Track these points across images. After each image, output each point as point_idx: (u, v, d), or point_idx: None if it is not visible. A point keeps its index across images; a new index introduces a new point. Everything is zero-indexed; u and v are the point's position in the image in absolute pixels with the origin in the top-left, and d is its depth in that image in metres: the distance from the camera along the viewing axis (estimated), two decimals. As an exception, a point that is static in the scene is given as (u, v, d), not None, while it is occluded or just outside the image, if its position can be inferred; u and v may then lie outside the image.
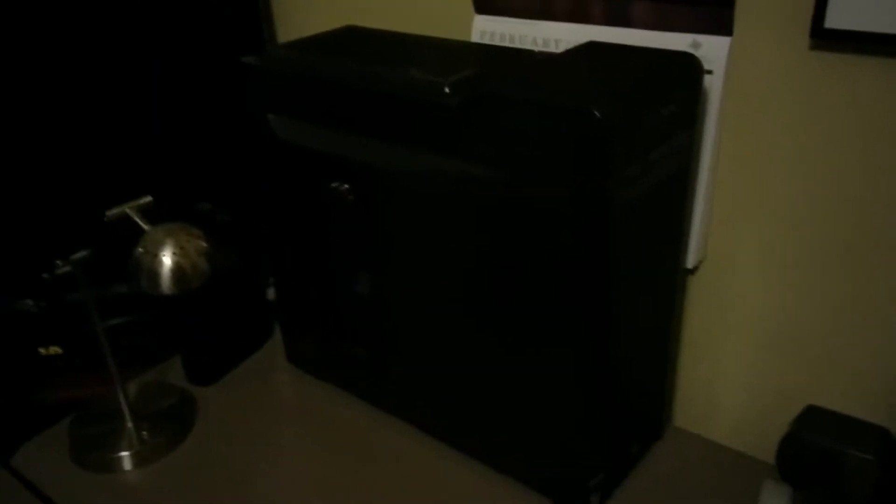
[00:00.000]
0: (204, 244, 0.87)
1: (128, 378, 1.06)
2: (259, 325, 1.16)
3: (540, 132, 0.66)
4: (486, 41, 0.94)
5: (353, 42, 0.92)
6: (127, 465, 0.93)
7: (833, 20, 0.68)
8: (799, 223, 0.80)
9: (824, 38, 0.71)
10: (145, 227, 0.87)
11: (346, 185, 0.86)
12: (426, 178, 0.78)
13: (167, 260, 0.84)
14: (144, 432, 0.96)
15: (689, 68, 0.74)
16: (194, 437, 0.98)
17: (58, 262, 0.89)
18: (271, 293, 1.16)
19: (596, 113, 0.63)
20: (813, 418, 0.82)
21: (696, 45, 0.79)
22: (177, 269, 0.84)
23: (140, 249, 0.86)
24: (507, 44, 0.92)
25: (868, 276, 0.78)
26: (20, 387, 1.07)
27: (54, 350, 1.09)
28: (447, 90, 0.73)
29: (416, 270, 0.85)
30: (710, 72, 0.78)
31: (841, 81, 0.73)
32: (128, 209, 0.88)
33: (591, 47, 0.79)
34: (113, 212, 0.88)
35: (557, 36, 0.88)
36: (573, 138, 0.65)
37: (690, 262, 0.86)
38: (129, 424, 0.97)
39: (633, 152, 0.68)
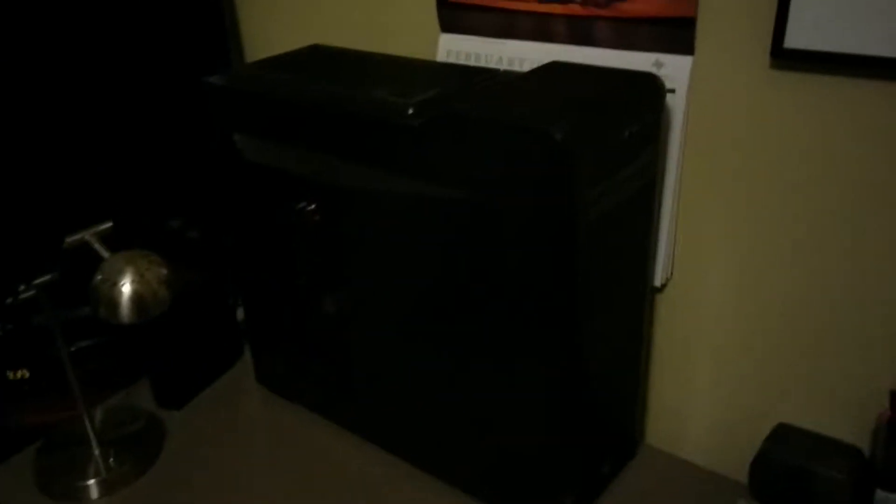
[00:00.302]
0: (164, 271, 0.86)
1: (94, 402, 1.05)
2: (228, 346, 1.15)
3: (503, 153, 0.66)
4: (452, 60, 0.94)
5: (318, 61, 0.92)
6: (94, 493, 0.92)
7: (792, 40, 0.68)
8: (765, 240, 0.80)
9: (784, 58, 0.71)
10: (105, 254, 0.85)
11: (312, 206, 0.86)
12: (392, 197, 0.77)
13: (126, 288, 0.83)
14: (111, 459, 0.95)
15: (651, 88, 0.74)
16: (162, 463, 0.97)
17: (21, 286, 0.87)
18: (241, 313, 1.15)
19: (556, 135, 0.62)
20: (785, 437, 0.82)
21: (658, 64, 0.78)
22: (136, 298, 0.83)
23: (99, 277, 0.84)
24: (472, 63, 0.92)
25: (838, 294, 0.78)
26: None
27: (22, 374, 1.07)
28: (411, 111, 0.72)
29: (383, 289, 0.84)
30: (672, 91, 0.78)
31: (801, 100, 0.73)
32: (87, 236, 0.86)
33: (555, 67, 0.78)
34: (72, 238, 0.87)
35: (522, 55, 0.87)
36: (536, 159, 0.64)
37: (658, 281, 0.86)
38: (96, 451, 0.95)
39: (595, 173, 0.67)
